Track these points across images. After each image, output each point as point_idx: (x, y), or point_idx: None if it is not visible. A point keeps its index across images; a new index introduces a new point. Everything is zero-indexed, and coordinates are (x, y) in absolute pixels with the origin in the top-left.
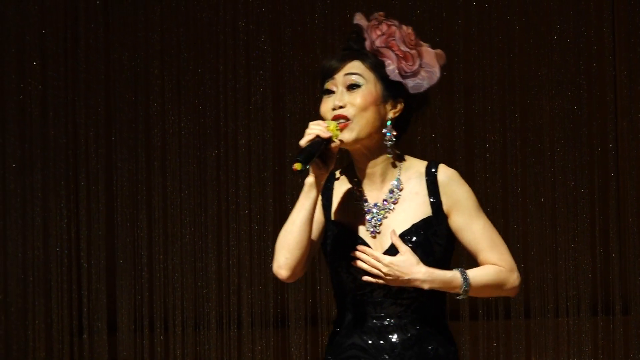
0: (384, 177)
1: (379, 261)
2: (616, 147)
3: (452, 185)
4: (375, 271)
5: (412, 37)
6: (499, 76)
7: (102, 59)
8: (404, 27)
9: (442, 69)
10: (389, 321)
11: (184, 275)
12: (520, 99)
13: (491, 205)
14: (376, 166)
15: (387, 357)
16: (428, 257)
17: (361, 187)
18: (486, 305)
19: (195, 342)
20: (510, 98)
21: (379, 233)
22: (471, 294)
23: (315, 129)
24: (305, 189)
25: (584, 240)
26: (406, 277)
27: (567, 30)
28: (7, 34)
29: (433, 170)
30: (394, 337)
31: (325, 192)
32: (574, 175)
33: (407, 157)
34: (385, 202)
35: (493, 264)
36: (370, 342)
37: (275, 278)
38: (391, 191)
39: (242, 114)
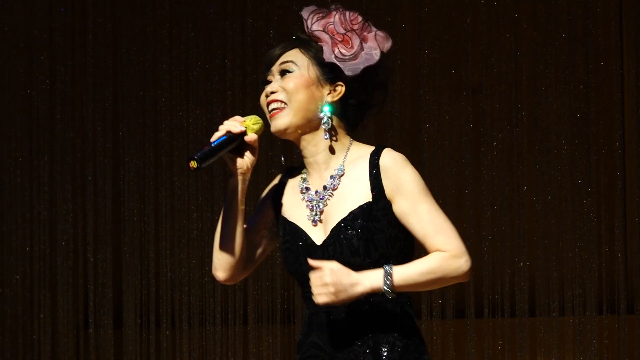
0: (327, 165)
1: (320, 277)
2: (623, 146)
3: (394, 168)
4: (322, 291)
5: (356, 22)
6: (507, 75)
7: (109, 54)
8: (349, 12)
9: (387, 52)
10: (339, 314)
11: (190, 270)
12: (528, 98)
13: (498, 203)
14: (318, 154)
15: (340, 355)
16: (368, 245)
17: (306, 177)
18: (492, 303)
19: (202, 338)
20: (518, 96)
21: (320, 221)
22: (406, 289)
23: (226, 125)
24: (227, 188)
25: (590, 239)
26: (346, 281)
27: (574, 29)
28: (16, 28)
29: (376, 155)
30: (346, 332)
31: (278, 188)
32: (581, 174)
33: (356, 144)
34: (325, 189)
35: (438, 249)
36: (325, 338)
37: (281, 274)
38: (332, 177)
39: (250, 110)
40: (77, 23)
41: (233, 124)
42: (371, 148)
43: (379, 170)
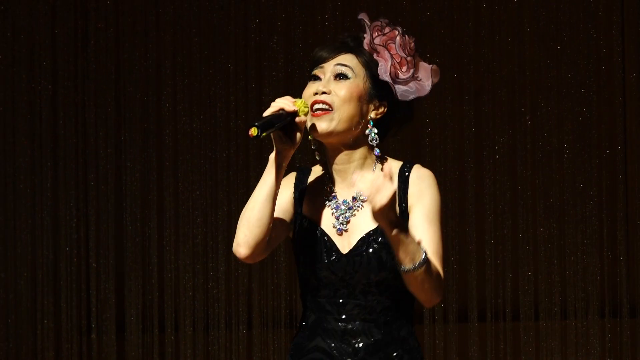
0: (358, 176)
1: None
2: (625, 149)
3: (422, 183)
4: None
5: (412, 47)
6: (509, 78)
7: (112, 59)
8: (407, 36)
9: (434, 85)
10: (353, 324)
11: (194, 275)
12: (530, 101)
13: (500, 207)
14: (350, 163)
15: None
16: (394, 258)
17: (333, 183)
18: (494, 307)
19: (206, 343)
20: (520, 100)
21: (345, 231)
22: (415, 274)
23: (280, 102)
24: (269, 164)
25: (592, 243)
26: (392, 213)
27: (576, 32)
28: (18, 33)
29: (406, 171)
30: (358, 342)
31: (299, 184)
32: (583, 177)
33: (387, 159)
34: (354, 200)
35: None
36: (333, 345)
37: (286, 278)
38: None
39: (254, 115)
40: (79, 28)
41: (286, 103)
42: (400, 163)
43: (408, 184)
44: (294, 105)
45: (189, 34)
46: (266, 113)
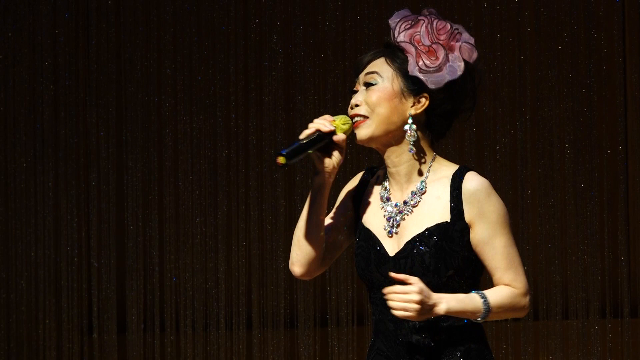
0: (408, 177)
1: (408, 293)
2: (626, 149)
3: (479, 195)
4: (408, 307)
5: (444, 31)
6: (510, 78)
7: (113, 59)
8: (437, 21)
9: (473, 63)
10: (407, 324)
11: (194, 275)
12: (531, 101)
13: None
14: (400, 165)
15: None
16: (439, 263)
17: (388, 186)
18: None
19: (206, 342)
20: (521, 100)
21: (396, 234)
22: (491, 317)
23: (316, 123)
24: (314, 185)
25: (593, 243)
26: (430, 302)
27: (577, 32)
28: (19, 33)
29: (460, 176)
30: (413, 340)
31: (361, 186)
32: (584, 177)
33: (439, 159)
34: (405, 204)
35: (507, 284)
36: (390, 346)
37: (285, 279)
38: (413, 193)
39: (254, 115)
40: (80, 28)
41: (323, 123)
42: (454, 167)
43: (461, 193)
44: (332, 124)
45: (189, 33)
46: (302, 135)
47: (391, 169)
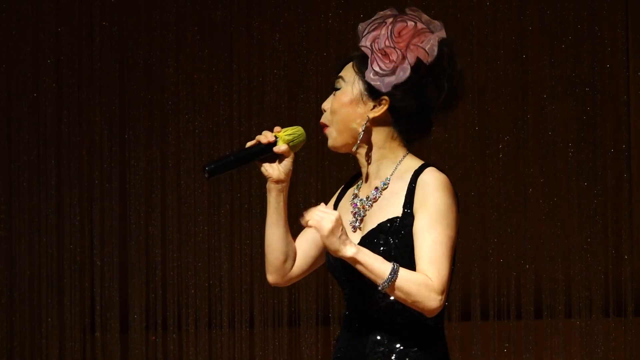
0: (377, 175)
1: (329, 214)
2: (629, 148)
3: (428, 187)
4: (323, 220)
5: (405, 31)
6: (513, 77)
7: (116, 57)
8: (401, 22)
9: (432, 62)
10: (368, 318)
11: (197, 273)
12: (534, 100)
13: (504, 206)
14: (370, 165)
15: (355, 356)
16: (389, 259)
17: (360, 184)
18: (498, 305)
19: (208, 341)
20: (524, 99)
21: (359, 229)
22: (389, 291)
23: (259, 136)
24: (267, 192)
25: (596, 242)
26: (343, 236)
27: (580, 31)
28: (23, 31)
29: (420, 171)
30: (368, 337)
31: (344, 190)
32: (587, 176)
33: (410, 157)
34: (367, 199)
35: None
36: (350, 338)
37: None
38: (377, 189)
39: (256, 113)
40: (83, 27)
41: (264, 134)
42: (420, 163)
43: (416, 186)
44: (276, 134)
45: (192, 32)
46: (247, 145)
47: (363, 169)
